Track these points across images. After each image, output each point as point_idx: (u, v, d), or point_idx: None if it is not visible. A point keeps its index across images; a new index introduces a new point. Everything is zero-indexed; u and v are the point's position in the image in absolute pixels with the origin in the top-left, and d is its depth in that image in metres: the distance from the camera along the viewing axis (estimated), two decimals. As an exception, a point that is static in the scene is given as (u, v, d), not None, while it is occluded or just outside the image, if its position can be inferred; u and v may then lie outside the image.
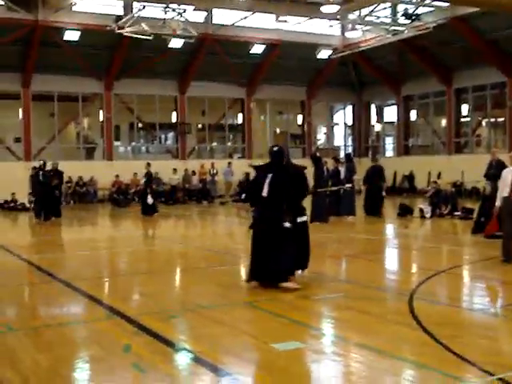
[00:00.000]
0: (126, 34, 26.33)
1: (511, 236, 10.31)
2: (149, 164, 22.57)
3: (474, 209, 17.82)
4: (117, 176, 29.54)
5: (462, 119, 32.62)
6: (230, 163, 31.61)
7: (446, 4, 25.26)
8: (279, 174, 8.64)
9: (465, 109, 32.39)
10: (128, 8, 27.62)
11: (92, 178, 29.77)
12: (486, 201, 15.46)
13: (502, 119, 30.82)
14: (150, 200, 21.63)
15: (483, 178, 17.02)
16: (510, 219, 10.21)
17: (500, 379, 4.94)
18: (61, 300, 8.37)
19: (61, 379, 5.27)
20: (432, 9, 27.94)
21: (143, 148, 35.50)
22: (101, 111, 31.35)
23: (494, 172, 15.93)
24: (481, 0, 15.35)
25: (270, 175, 8.64)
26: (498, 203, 10.62)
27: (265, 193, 8.58)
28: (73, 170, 28.77)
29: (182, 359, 5.84)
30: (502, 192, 10.62)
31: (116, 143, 33.08)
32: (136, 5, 26.88)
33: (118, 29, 26.16)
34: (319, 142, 38.76)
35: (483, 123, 32.31)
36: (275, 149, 8.87)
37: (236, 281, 9.35)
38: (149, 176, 22.29)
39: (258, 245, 8.68)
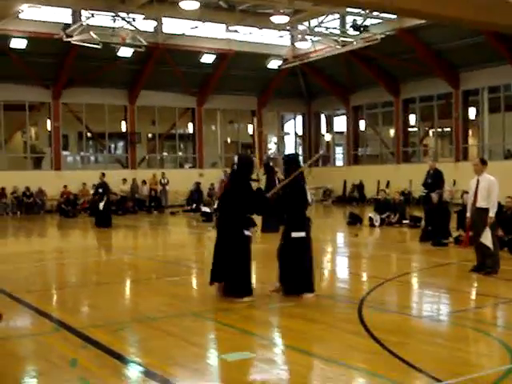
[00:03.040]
0: (74, 42, 25.97)
1: (480, 245, 10.40)
2: (103, 174, 22.15)
3: (421, 217, 18.11)
4: (65, 186, 29.06)
5: (410, 129, 33.19)
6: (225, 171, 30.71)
7: (394, 16, 25.72)
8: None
9: (412, 119, 32.96)
10: (76, 16, 27.24)
11: (40, 188, 29.21)
12: (433, 209, 15.76)
13: (449, 129, 31.49)
14: (102, 208, 21.18)
15: (422, 186, 17.35)
16: (480, 228, 10.33)
17: (447, 385, 5.01)
18: (6, 313, 8.14)
19: (5, 395, 5.13)
20: (380, 20, 28.39)
21: (92, 158, 35.05)
22: (48, 120, 30.84)
23: (430, 181, 16.27)
24: (427, 12, 15.62)
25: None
26: (468, 214, 10.72)
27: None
28: (20, 180, 28.20)
29: (131, 372, 5.75)
30: (469, 202, 10.74)
31: (64, 153, 32.55)
32: (84, 13, 26.54)
33: (67, 37, 25.78)
34: (270, 152, 38.91)
35: (430, 133, 32.95)
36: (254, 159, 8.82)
37: (186, 292, 9.28)
38: (105, 187, 21.85)
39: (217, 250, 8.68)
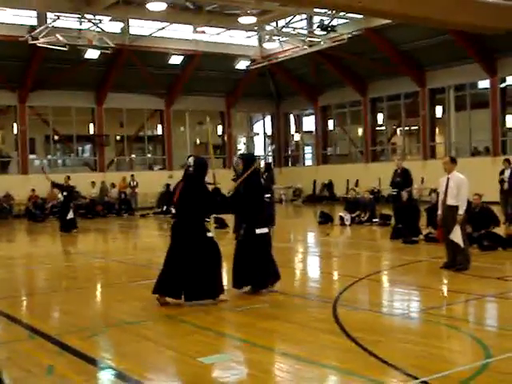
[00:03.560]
0: (40, 44, 25.69)
1: (450, 242, 10.50)
2: (68, 177, 21.77)
3: (391, 215, 18.28)
4: (33, 190, 28.70)
5: (378, 128, 33.47)
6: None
7: (361, 16, 25.91)
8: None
9: (380, 118, 33.23)
10: (42, 18, 26.96)
11: (7, 192, 28.80)
12: (403, 208, 15.93)
13: (416, 127, 31.82)
14: (70, 215, 20.78)
15: (389, 186, 17.54)
16: (450, 225, 10.44)
17: (423, 382, 5.06)
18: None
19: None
20: (347, 20, 28.58)
21: (60, 161, 34.68)
22: (15, 124, 30.44)
23: (398, 180, 16.47)
24: (394, 12, 15.78)
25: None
26: (439, 211, 10.82)
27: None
28: (-14, 184, 27.79)
29: (107, 377, 5.71)
30: (440, 200, 10.84)
31: (31, 156, 32.16)
32: (50, 15, 26.27)
33: (32, 40, 25.50)
34: (239, 152, 38.89)
35: (398, 132, 33.25)
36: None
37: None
38: (70, 190, 21.47)
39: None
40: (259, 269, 8.86)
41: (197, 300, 8.25)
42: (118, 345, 6.71)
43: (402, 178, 16.51)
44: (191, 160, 8.57)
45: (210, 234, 8.50)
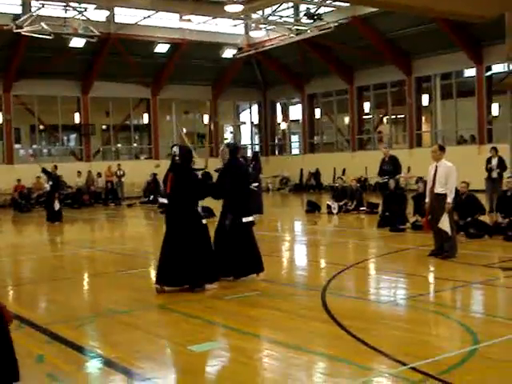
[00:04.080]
0: (24, 33, 25.47)
1: (438, 230, 10.55)
2: (56, 167, 21.53)
3: (378, 204, 18.34)
4: (18, 180, 28.52)
5: (365, 116, 33.53)
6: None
7: (347, 4, 25.88)
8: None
9: (367, 106, 33.28)
10: (26, 7, 26.74)
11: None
12: (390, 196, 15.98)
13: (402, 116, 31.92)
14: (56, 206, 20.59)
15: (377, 175, 17.55)
16: (438, 213, 10.49)
17: (412, 368, 5.10)
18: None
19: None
20: (333, 9, 28.55)
21: (45, 150, 34.46)
22: (0, 113, 30.21)
23: (387, 168, 16.51)
24: (379, 0, 15.75)
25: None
26: (427, 199, 10.86)
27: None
28: (-29, 174, 27.58)
29: (97, 366, 5.71)
30: (428, 188, 10.88)
31: (16, 146, 31.95)
32: (35, 3, 26.04)
33: (16, 28, 25.27)
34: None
35: (384, 120, 33.34)
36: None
37: (147, 284, 9.20)
38: (55, 179, 21.24)
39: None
40: (242, 257, 9.00)
41: (199, 287, 8.37)
42: (108, 334, 6.71)
43: (392, 166, 16.54)
44: (176, 149, 8.72)
45: (204, 222, 8.62)
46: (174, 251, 8.38)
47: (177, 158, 8.57)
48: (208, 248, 8.55)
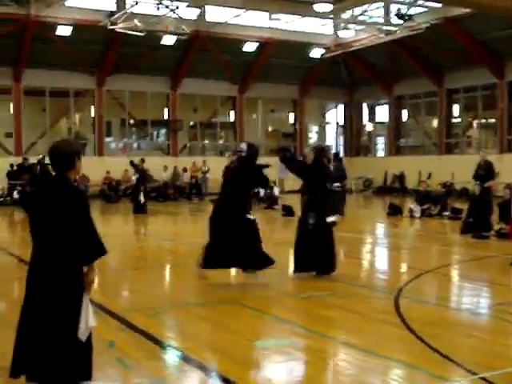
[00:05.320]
0: (118, 30, 26.23)
1: None
2: (143, 160, 22.08)
3: (462, 209, 17.87)
4: (108, 172, 29.45)
5: (453, 120, 32.71)
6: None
7: (439, 5, 25.32)
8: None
9: (456, 109, 32.45)
10: (121, 4, 27.51)
11: (83, 174, 29.57)
12: (476, 202, 15.53)
13: (493, 120, 30.94)
14: (142, 198, 21.13)
15: (472, 179, 17.04)
16: None
17: (482, 378, 4.97)
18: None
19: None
20: (425, 9, 27.99)
21: (135, 144, 35.38)
22: (92, 107, 31.24)
23: (481, 173, 15.98)
24: (473, 1, 15.37)
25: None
26: None
27: None
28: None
29: (167, 355, 5.84)
30: None
31: (107, 139, 32.98)
32: (129, 1, 26.77)
33: (111, 25, 26.06)
34: (311, 141, 38.76)
35: (474, 124, 32.41)
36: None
37: (223, 278, 9.32)
38: (142, 173, 21.83)
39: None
40: (323, 255, 9.14)
41: (247, 269, 8.90)
42: (180, 324, 6.85)
43: (485, 171, 16.00)
44: (243, 145, 9.19)
45: (250, 217, 8.95)
46: (221, 237, 8.93)
47: (243, 153, 8.97)
48: (253, 238, 8.86)
